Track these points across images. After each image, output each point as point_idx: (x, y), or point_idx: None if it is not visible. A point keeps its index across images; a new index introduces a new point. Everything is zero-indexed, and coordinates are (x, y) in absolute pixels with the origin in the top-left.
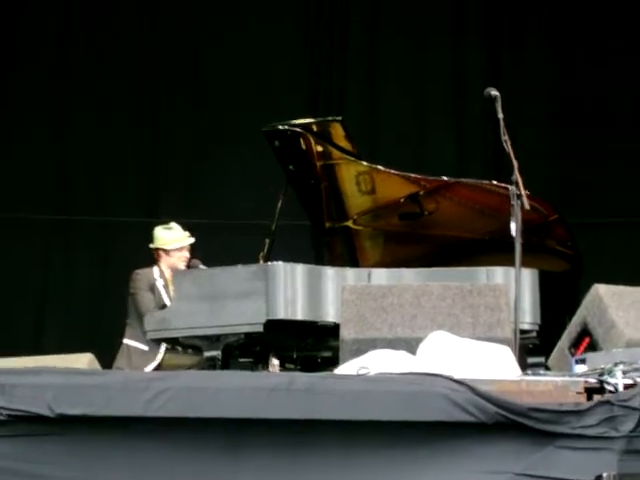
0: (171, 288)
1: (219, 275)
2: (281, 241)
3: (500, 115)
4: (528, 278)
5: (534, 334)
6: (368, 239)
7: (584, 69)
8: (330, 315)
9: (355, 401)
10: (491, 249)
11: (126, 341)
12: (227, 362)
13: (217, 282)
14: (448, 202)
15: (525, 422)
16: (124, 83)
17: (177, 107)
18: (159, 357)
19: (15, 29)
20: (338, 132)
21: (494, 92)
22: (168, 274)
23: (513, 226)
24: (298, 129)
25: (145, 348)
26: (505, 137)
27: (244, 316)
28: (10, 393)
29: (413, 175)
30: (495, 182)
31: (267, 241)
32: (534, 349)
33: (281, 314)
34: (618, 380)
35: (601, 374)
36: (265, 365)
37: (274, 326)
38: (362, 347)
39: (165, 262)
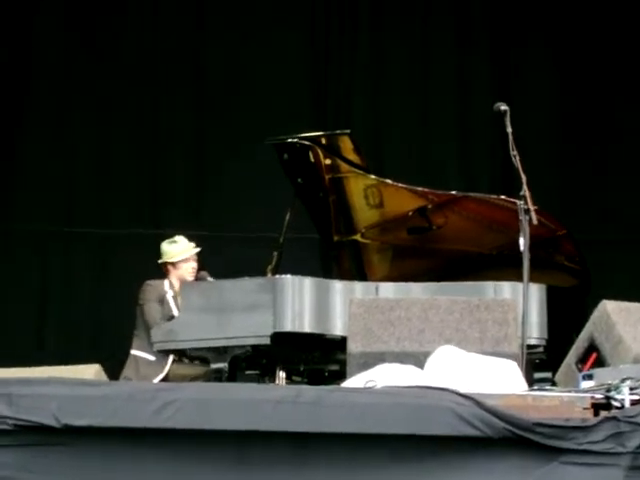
0: (180, 300)
1: (227, 287)
2: (289, 254)
3: (509, 129)
4: (536, 293)
5: (541, 349)
6: (376, 253)
7: (590, 80)
8: (337, 328)
9: (362, 414)
10: (499, 264)
11: (134, 352)
12: (234, 374)
13: (225, 294)
14: (456, 216)
15: (531, 437)
16: (126, 94)
17: (181, 117)
18: (166, 368)
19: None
20: (347, 145)
21: (503, 107)
22: (178, 286)
23: (521, 241)
24: (307, 142)
25: (152, 359)
26: (514, 152)
27: (251, 328)
28: (16, 403)
29: (421, 189)
30: (503, 197)
31: (275, 254)
32: (541, 364)
33: (288, 327)
34: (625, 396)
35: (608, 390)
36: (272, 378)
37: (281, 339)
38: (369, 361)
39: (174, 275)
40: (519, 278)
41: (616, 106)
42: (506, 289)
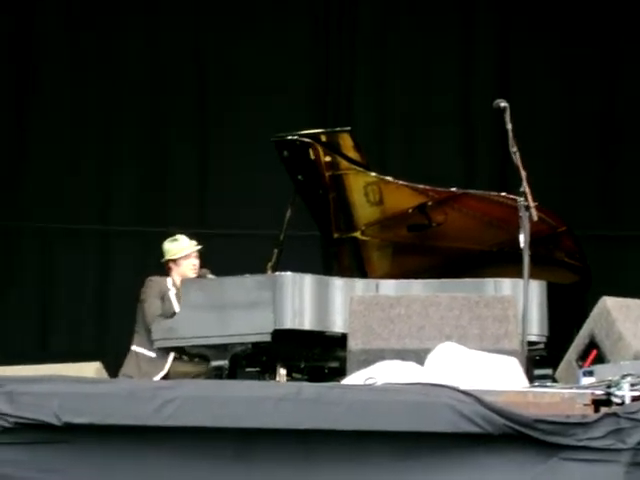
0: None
1: (227, 284)
2: (290, 251)
3: (509, 126)
4: (536, 290)
5: (541, 346)
6: (376, 250)
7: (593, 81)
8: (338, 325)
9: (362, 411)
10: (499, 261)
11: (134, 348)
12: (234, 372)
13: (225, 291)
14: (456, 213)
15: (531, 433)
16: (130, 94)
17: (184, 116)
18: (167, 366)
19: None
20: (347, 142)
21: (503, 103)
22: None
23: (521, 238)
24: (307, 139)
25: (152, 355)
26: (514, 148)
27: (251, 326)
28: (17, 401)
29: (421, 186)
30: (504, 193)
31: (275, 251)
32: (541, 361)
33: (288, 324)
34: (625, 392)
35: (608, 386)
36: (272, 375)
37: (281, 336)
38: (370, 358)
39: (176, 273)
40: (519, 275)
41: (619, 102)
42: (506, 286)
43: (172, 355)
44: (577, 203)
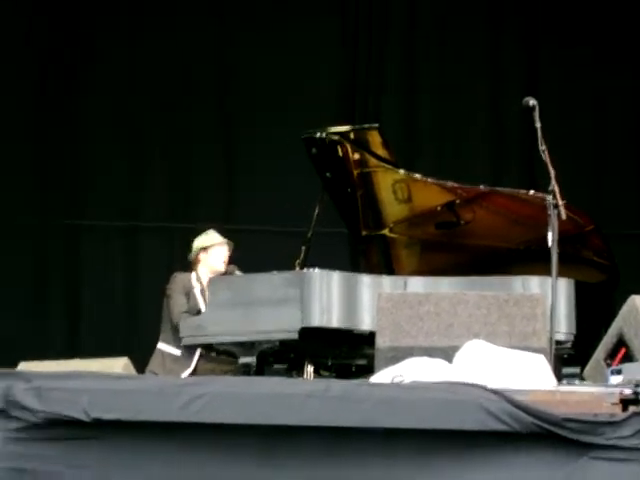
0: (208, 294)
1: (255, 281)
2: (317, 248)
3: (538, 124)
4: (564, 288)
5: (569, 344)
6: (404, 248)
7: (623, 80)
8: (365, 323)
9: (389, 409)
10: (526, 259)
11: (160, 345)
12: (262, 368)
13: (253, 288)
14: (484, 211)
15: (559, 432)
16: (155, 94)
17: (211, 115)
18: (193, 364)
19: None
20: (375, 140)
21: (532, 101)
22: (206, 279)
23: (549, 236)
24: (335, 137)
25: (177, 353)
26: (543, 147)
27: (279, 323)
28: (46, 396)
29: (450, 184)
30: (532, 192)
31: (303, 248)
32: (569, 359)
33: (316, 322)
34: None
35: (637, 385)
36: (300, 372)
37: (309, 333)
38: (398, 355)
39: (205, 264)
40: (547, 273)
41: None
42: (534, 284)
43: (198, 353)
44: (606, 202)
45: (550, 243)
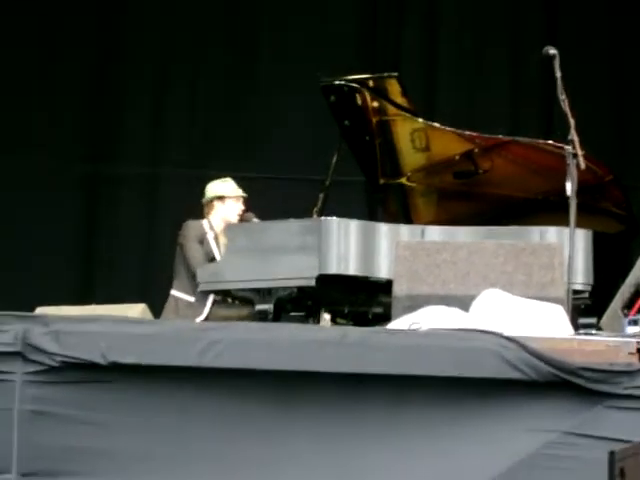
0: (221, 241)
1: (272, 229)
2: (335, 196)
3: (558, 74)
4: (582, 238)
5: (587, 294)
6: (421, 196)
7: None
8: (382, 271)
9: (407, 356)
10: (544, 209)
11: (173, 292)
12: (279, 315)
13: (270, 235)
14: (503, 161)
15: (575, 381)
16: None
17: (231, 63)
18: (206, 310)
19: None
20: (394, 88)
21: (552, 50)
22: (219, 227)
23: (568, 186)
24: (354, 84)
25: (191, 299)
26: (562, 96)
27: (296, 270)
28: (64, 340)
29: (468, 133)
30: (551, 141)
31: (321, 196)
32: (586, 310)
33: (333, 269)
34: None
35: None
36: (316, 319)
37: (326, 281)
38: (414, 303)
39: (219, 213)
40: (565, 223)
41: None
42: (551, 234)
43: (211, 299)
44: (626, 153)
45: (569, 193)
